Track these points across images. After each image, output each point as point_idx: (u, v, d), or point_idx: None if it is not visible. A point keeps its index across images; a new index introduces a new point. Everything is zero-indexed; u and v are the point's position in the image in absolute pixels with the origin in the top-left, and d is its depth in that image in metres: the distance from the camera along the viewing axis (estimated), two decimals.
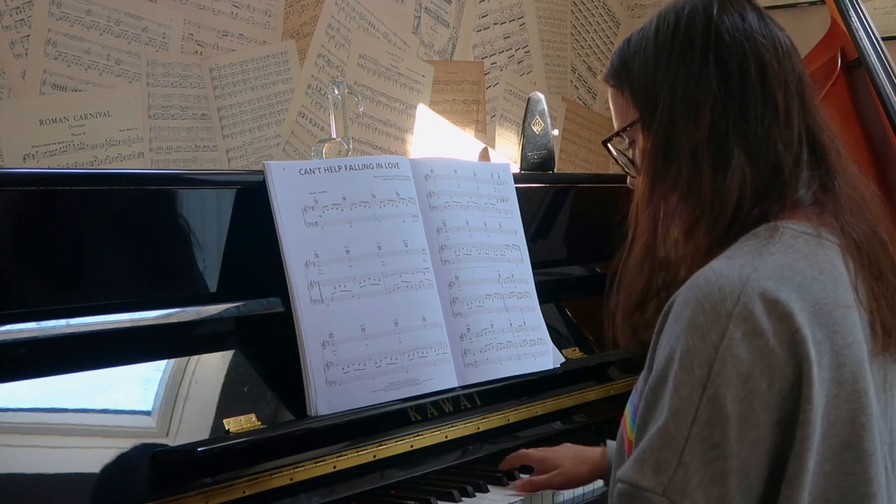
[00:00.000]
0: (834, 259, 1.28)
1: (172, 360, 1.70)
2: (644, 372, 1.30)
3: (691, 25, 1.35)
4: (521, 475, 1.94)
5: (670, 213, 1.35)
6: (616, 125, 1.44)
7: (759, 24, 1.35)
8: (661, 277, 1.36)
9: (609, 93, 1.45)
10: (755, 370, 1.17)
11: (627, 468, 1.22)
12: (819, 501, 1.21)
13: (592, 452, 1.83)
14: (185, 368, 1.71)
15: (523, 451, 1.92)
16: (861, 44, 2.84)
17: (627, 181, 1.48)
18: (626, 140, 1.43)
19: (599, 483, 1.96)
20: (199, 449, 1.60)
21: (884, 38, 2.91)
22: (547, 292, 2.30)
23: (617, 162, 1.48)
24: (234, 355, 1.78)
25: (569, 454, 1.85)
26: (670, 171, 1.34)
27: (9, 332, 1.53)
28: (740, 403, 1.17)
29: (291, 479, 1.72)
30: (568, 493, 1.91)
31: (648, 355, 1.29)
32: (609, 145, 1.47)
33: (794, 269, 1.24)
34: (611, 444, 1.81)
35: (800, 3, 3.51)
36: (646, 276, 1.37)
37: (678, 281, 1.31)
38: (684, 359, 1.19)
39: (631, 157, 1.44)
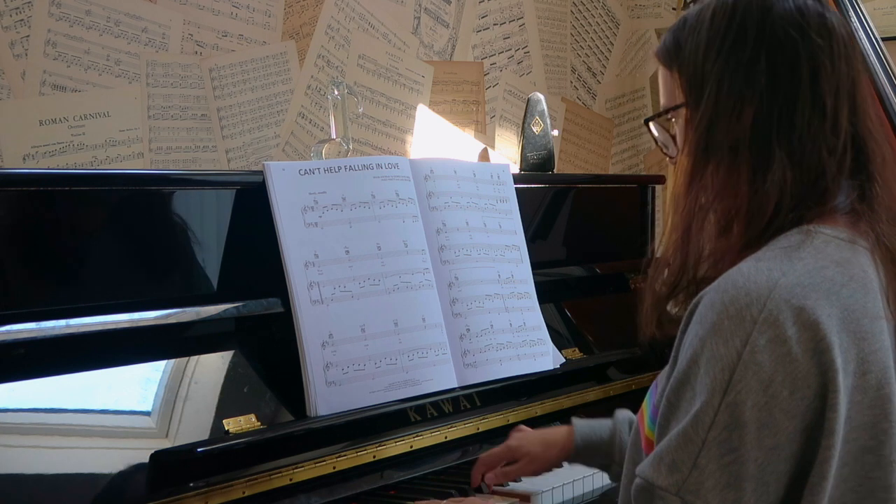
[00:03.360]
0: (866, 265, 1.27)
1: (172, 361, 1.70)
2: (667, 369, 1.29)
3: (747, 15, 1.30)
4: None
5: (707, 206, 1.32)
6: (662, 101, 1.41)
7: (818, 20, 1.31)
8: (693, 270, 1.33)
9: (659, 68, 1.41)
10: (777, 378, 1.16)
11: (646, 465, 1.22)
12: None
13: (557, 434, 1.79)
14: (185, 369, 1.71)
15: (483, 457, 1.83)
16: (861, 44, 2.84)
17: (668, 160, 1.46)
18: (671, 119, 1.40)
19: (599, 483, 1.96)
20: (198, 449, 1.60)
21: (884, 39, 2.91)
22: (547, 292, 2.30)
23: (656, 142, 1.45)
24: (234, 356, 1.78)
25: (535, 439, 1.80)
26: (709, 165, 1.31)
27: (9, 332, 1.53)
28: (760, 410, 1.16)
29: (291, 480, 1.72)
30: (568, 493, 1.91)
31: (672, 353, 1.28)
32: (651, 124, 1.44)
33: (824, 274, 1.22)
34: (576, 421, 1.78)
35: None
36: (678, 267, 1.34)
37: (708, 276, 1.29)
38: (707, 363, 1.19)
39: (673, 133, 1.41)
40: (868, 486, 1.21)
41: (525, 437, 1.81)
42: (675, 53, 1.37)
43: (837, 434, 1.17)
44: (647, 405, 1.37)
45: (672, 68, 1.37)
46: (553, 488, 1.90)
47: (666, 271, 1.35)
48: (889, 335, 1.26)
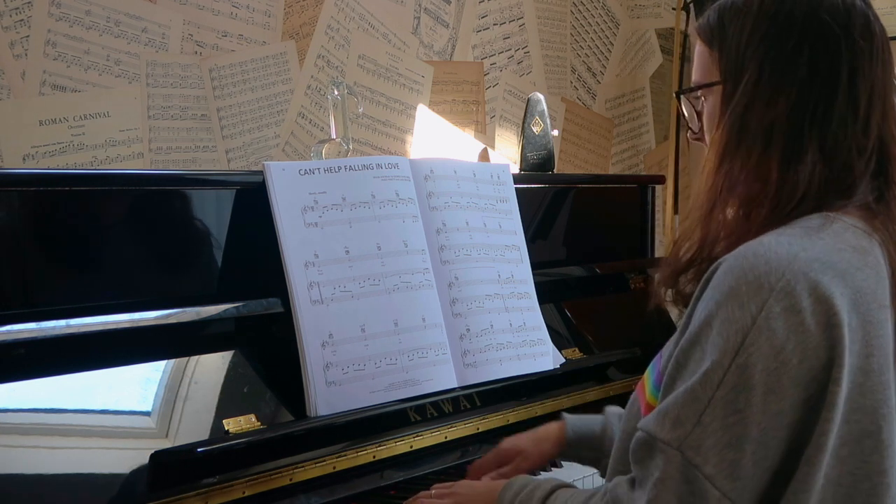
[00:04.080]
0: (879, 256, 1.30)
1: (172, 361, 1.70)
2: (676, 335, 1.32)
3: (796, 7, 1.32)
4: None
5: (734, 187, 1.34)
6: (695, 77, 1.42)
7: (863, 21, 1.33)
8: (710, 248, 1.35)
9: (697, 42, 1.42)
10: (788, 346, 1.19)
11: (649, 420, 1.24)
12: (832, 484, 1.23)
13: (549, 429, 1.77)
14: (185, 369, 1.71)
15: (474, 464, 1.78)
16: None
17: (688, 134, 1.47)
18: (701, 96, 1.41)
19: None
20: (198, 449, 1.60)
21: None
22: (547, 292, 2.30)
23: (683, 115, 1.46)
24: (234, 356, 1.78)
25: (525, 437, 1.77)
26: (740, 147, 1.33)
27: (9, 332, 1.53)
28: (769, 375, 1.19)
29: (291, 480, 1.72)
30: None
31: (684, 318, 1.31)
32: (681, 97, 1.45)
33: (841, 256, 1.26)
34: (567, 415, 1.77)
35: None
36: (697, 243, 1.36)
37: (721, 256, 1.31)
38: (721, 325, 1.21)
39: (699, 109, 1.42)
40: (865, 470, 1.24)
41: (515, 437, 1.80)
42: (717, 32, 1.37)
43: (838, 408, 1.20)
44: (648, 375, 1.39)
45: (713, 47, 1.38)
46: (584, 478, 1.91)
47: (685, 245, 1.37)
48: (892, 326, 1.29)
